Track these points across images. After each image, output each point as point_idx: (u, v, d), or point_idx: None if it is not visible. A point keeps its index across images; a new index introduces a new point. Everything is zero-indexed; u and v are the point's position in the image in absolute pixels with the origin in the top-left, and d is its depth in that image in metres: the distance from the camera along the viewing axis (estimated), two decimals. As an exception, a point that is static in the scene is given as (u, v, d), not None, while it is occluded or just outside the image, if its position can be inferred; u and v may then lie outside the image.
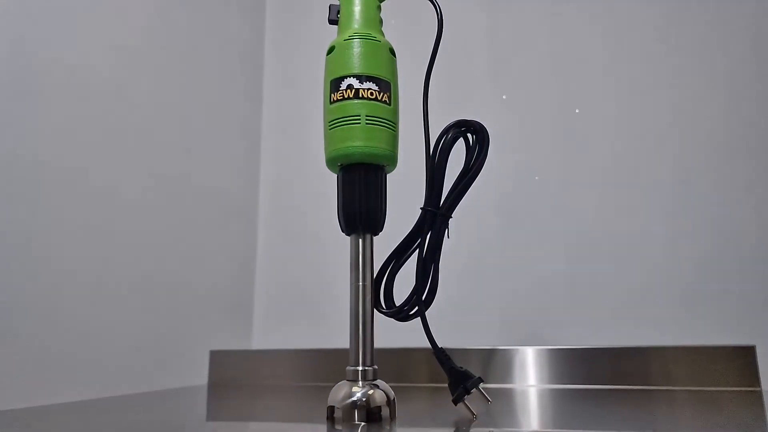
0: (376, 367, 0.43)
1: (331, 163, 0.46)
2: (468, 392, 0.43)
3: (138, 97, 0.79)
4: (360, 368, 0.42)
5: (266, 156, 1.07)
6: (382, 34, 0.49)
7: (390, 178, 0.48)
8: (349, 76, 0.45)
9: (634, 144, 0.82)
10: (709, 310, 0.74)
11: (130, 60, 0.78)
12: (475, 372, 0.75)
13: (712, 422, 0.49)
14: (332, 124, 0.45)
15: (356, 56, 0.45)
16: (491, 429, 0.39)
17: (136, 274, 0.76)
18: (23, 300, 0.61)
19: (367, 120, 0.44)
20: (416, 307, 0.45)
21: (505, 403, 0.60)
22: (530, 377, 0.74)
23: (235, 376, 0.88)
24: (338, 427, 0.41)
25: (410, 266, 0.47)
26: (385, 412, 0.42)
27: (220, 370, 0.89)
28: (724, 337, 0.72)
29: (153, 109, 0.81)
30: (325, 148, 0.46)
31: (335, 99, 0.45)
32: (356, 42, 0.46)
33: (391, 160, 0.46)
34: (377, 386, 0.42)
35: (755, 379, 0.65)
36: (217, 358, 0.90)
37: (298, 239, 1.00)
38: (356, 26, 0.48)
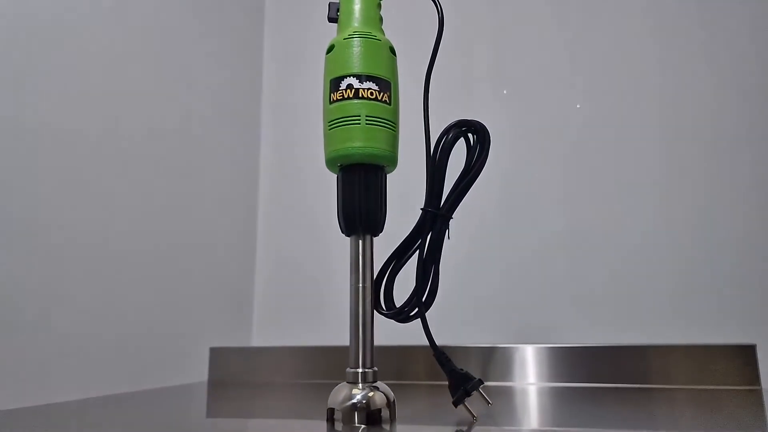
0: (376, 368, 0.43)
1: (330, 163, 0.45)
2: (468, 394, 0.43)
3: (137, 92, 0.78)
4: (360, 370, 0.42)
5: (266, 150, 1.06)
6: (383, 33, 0.48)
7: (390, 178, 0.47)
8: (349, 76, 0.44)
9: (634, 143, 0.82)
10: (709, 309, 0.74)
11: (129, 48, 0.77)
12: (475, 370, 0.76)
13: (712, 421, 0.49)
14: (332, 124, 0.44)
15: (356, 55, 0.45)
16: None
17: (135, 271, 0.75)
18: (21, 298, 0.60)
19: (367, 120, 0.44)
20: (416, 309, 0.45)
21: (505, 402, 0.60)
22: (530, 375, 0.74)
23: (234, 374, 0.88)
24: (338, 429, 0.41)
25: (410, 267, 0.46)
26: (386, 414, 0.42)
27: (220, 368, 0.89)
28: (725, 336, 0.72)
29: (152, 104, 0.81)
30: (325, 149, 0.45)
31: (335, 99, 0.45)
32: (356, 41, 0.45)
33: (392, 161, 0.45)
34: (377, 388, 0.42)
35: (755, 378, 0.65)
36: (217, 355, 0.90)
37: (299, 235, 1.00)
38: (356, 24, 0.47)
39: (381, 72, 0.45)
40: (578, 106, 0.85)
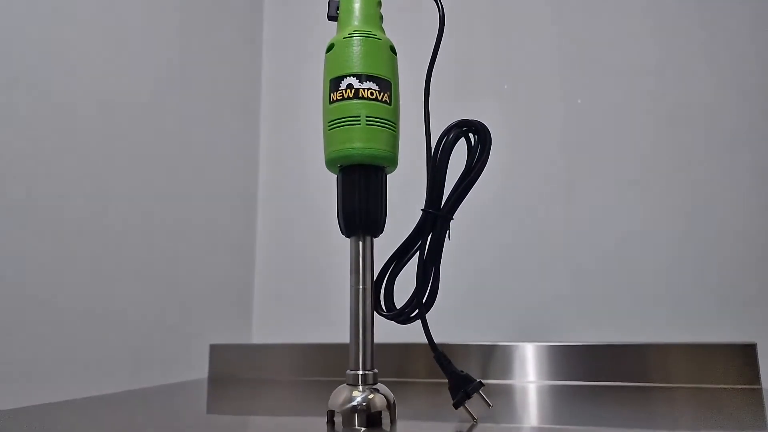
0: (376, 370, 0.43)
1: (330, 164, 0.45)
2: (469, 396, 0.43)
3: (136, 89, 0.77)
4: (360, 372, 0.42)
5: (265, 145, 1.06)
6: (383, 31, 0.48)
7: (390, 178, 0.47)
8: (349, 76, 0.44)
9: (635, 142, 0.81)
10: (710, 308, 0.74)
11: (127, 44, 0.76)
12: (475, 368, 0.76)
13: (711, 420, 0.49)
14: (332, 124, 0.44)
15: (356, 55, 0.44)
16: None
17: (135, 269, 0.75)
18: (21, 297, 0.60)
19: (367, 121, 0.43)
20: (416, 310, 0.45)
21: (505, 400, 0.60)
22: (530, 373, 0.74)
23: (235, 371, 0.88)
24: (338, 431, 0.41)
25: (411, 268, 0.46)
26: (386, 416, 0.42)
27: (220, 364, 0.89)
28: (725, 334, 0.71)
29: (151, 101, 0.80)
30: (325, 149, 0.45)
31: (335, 99, 0.44)
32: (356, 40, 0.45)
33: (392, 162, 0.45)
34: (377, 390, 0.42)
35: (756, 377, 0.65)
36: (217, 352, 0.90)
37: (299, 232, 0.99)
38: (356, 23, 0.47)
39: (381, 72, 0.45)
40: (579, 101, 0.85)
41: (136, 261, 0.76)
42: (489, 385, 0.72)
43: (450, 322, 0.82)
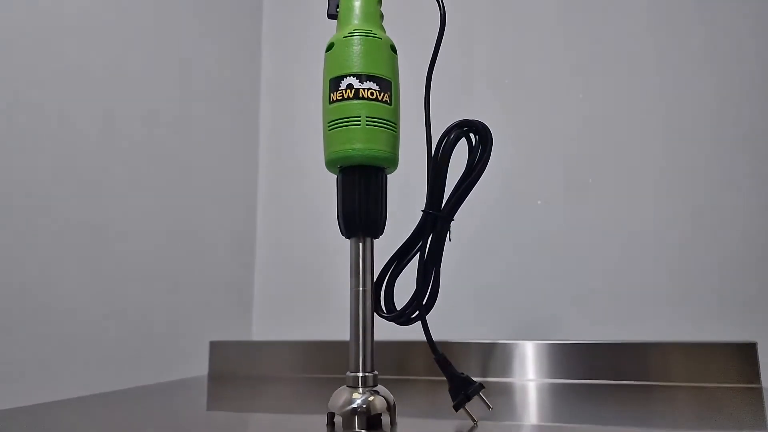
0: (376, 372, 0.43)
1: (330, 164, 0.45)
2: (469, 399, 0.42)
3: (134, 85, 0.77)
4: (360, 374, 0.42)
5: (265, 142, 1.05)
6: (383, 30, 0.47)
7: (390, 179, 0.47)
8: (349, 75, 0.44)
9: (637, 141, 0.81)
10: (710, 307, 0.74)
11: (126, 45, 0.76)
12: (475, 366, 0.76)
13: (711, 419, 0.49)
14: (331, 125, 0.44)
15: (356, 54, 0.44)
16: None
17: (134, 266, 0.75)
18: (20, 295, 0.60)
19: (367, 121, 0.43)
20: (417, 311, 0.45)
21: (505, 398, 0.60)
22: (529, 371, 0.74)
23: (235, 368, 0.88)
24: (338, 433, 0.41)
25: (411, 269, 0.46)
26: (386, 418, 0.42)
27: (220, 362, 0.89)
28: (726, 333, 0.71)
29: (149, 96, 0.80)
30: (325, 150, 0.45)
31: (334, 99, 0.44)
32: (356, 39, 0.44)
33: (392, 162, 0.45)
34: (377, 392, 0.42)
35: (756, 376, 0.65)
36: (217, 349, 0.90)
37: (299, 229, 0.99)
38: (356, 22, 0.46)
39: (381, 71, 0.44)
40: (580, 95, 0.84)
41: (136, 259, 0.75)
42: (489, 383, 0.72)
43: (449, 321, 0.82)
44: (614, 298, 0.78)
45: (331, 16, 0.49)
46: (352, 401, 0.41)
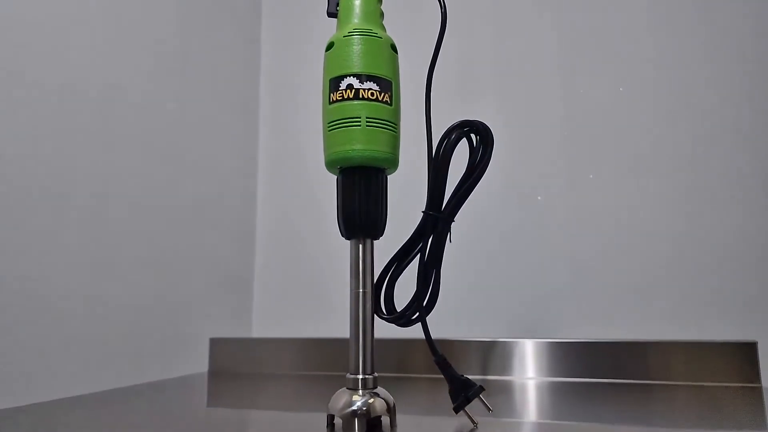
0: (376, 374, 0.43)
1: (330, 165, 0.44)
2: (469, 401, 0.42)
3: (133, 82, 0.76)
4: (360, 377, 0.42)
5: (265, 137, 1.05)
6: (383, 29, 0.47)
7: (391, 179, 0.46)
8: (349, 76, 0.43)
9: (637, 139, 0.80)
10: (711, 306, 0.74)
11: (126, 43, 0.75)
12: (475, 364, 0.76)
13: (711, 419, 0.49)
14: (331, 125, 0.43)
15: (356, 54, 0.43)
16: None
17: (134, 264, 0.75)
18: (19, 293, 0.60)
19: (367, 122, 0.42)
20: (417, 313, 0.44)
21: (504, 396, 0.60)
22: (529, 370, 0.74)
23: (235, 365, 0.89)
24: (338, 436, 0.41)
25: (411, 270, 0.46)
26: (386, 420, 0.42)
27: (220, 359, 0.89)
28: (726, 332, 0.71)
29: (150, 98, 0.79)
30: (324, 150, 0.44)
31: (334, 99, 0.43)
32: (356, 39, 0.44)
33: (392, 163, 0.44)
34: (377, 395, 0.42)
35: (756, 376, 0.65)
36: (217, 345, 0.90)
37: (299, 225, 0.99)
38: (356, 21, 0.46)
39: (382, 71, 0.44)
40: (581, 90, 0.84)
41: (136, 256, 0.75)
42: (488, 381, 0.72)
43: (449, 319, 0.82)
44: (614, 297, 0.78)
45: (331, 14, 0.48)
46: (352, 403, 0.41)
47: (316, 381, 0.76)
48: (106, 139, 0.72)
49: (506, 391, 0.64)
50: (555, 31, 0.87)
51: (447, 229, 0.45)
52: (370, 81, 0.43)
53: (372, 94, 0.43)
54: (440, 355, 0.44)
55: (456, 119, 0.45)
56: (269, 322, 0.98)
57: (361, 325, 0.43)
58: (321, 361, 0.85)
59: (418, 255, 0.45)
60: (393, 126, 0.44)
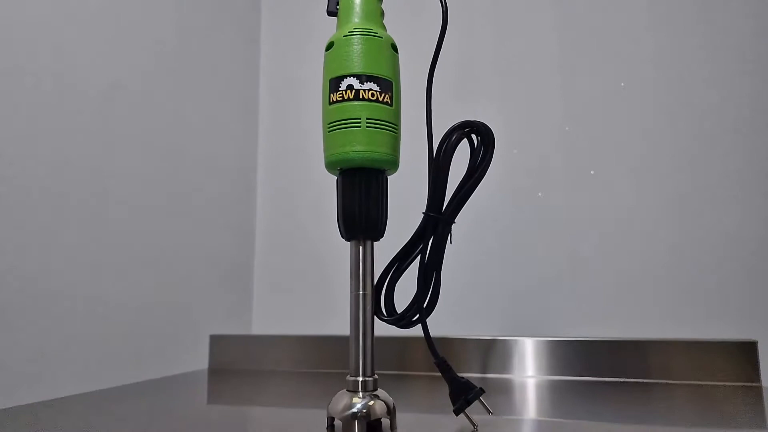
0: (376, 376, 0.43)
1: (330, 166, 0.44)
2: (469, 404, 0.42)
3: (134, 84, 0.76)
4: (360, 379, 0.42)
5: (264, 131, 1.04)
6: (384, 28, 0.47)
7: (391, 180, 0.46)
8: (349, 76, 0.43)
9: (637, 139, 0.80)
10: (711, 304, 0.74)
11: (125, 42, 0.75)
12: (474, 362, 0.76)
13: (711, 417, 0.49)
14: (331, 126, 0.43)
15: (356, 54, 0.43)
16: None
17: (134, 262, 0.75)
18: (19, 292, 0.60)
19: (368, 123, 0.42)
20: (417, 315, 0.44)
21: (504, 394, 0.60)
22: (529, 368, 0.74)
23: (235, 362, 0.89)
24: (338, 438, 0.41)
25: (412, 272, 0.46)
26: (386, 423, 0.42)
27: (220, 355, 0.89)
28: (727, 332, 0.71)
29: (149, 97, 0.79)
30: (325, 151, 0.44)
31: (334, 100, 0.43)
32: (356, 39, 0.43)
33: (393, 164, 0.44)
34: (378, 397, 0.42)
35: (756, 375, 0.65)
36: (217, 342, 0.90)
37: (299, 222, 0.99)
38: (356, 20, 0.45)
39: (382, 71, 0.43)
40: (582, 91, 0.83)
41: (136, 254, 0.75)
42: (488, 379, 0.72)
43: (449, 317, 0.82)
44: (614, 296, 0.78)
45: (331, 13, 0.48)
46: (352, 406, 0.41)
47: (316, 378, 0.76)
48: (106, 138, 0.71)
49: (506, 389, 0.64)
50: (555, 31, 0.86)
51: (447, 231, 0.45)
52: (370, 81, 0.43)
53: (372, 95, 0.42)
54: (440, 358, 0.44)
55: (456, 119, 0.45)
56: (269, 319, 0.98)
57: (361, 327, 0.43)
58: (321, 359, 0.85)
59: (419, 257, 0.45)
60: (393, 127, 0.44)
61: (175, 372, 0.81)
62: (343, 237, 0.44)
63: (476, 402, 0.43)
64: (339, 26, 0.46)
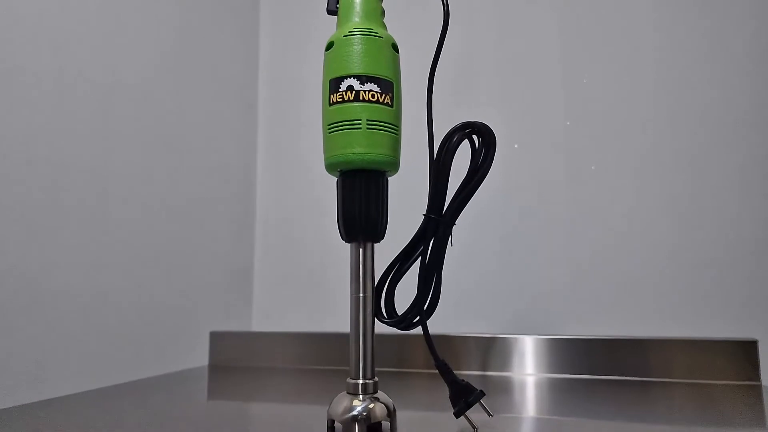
0: (377, 379, 0.43)
1: (330, 168, 0.44)
2: (469, 406, 0.42)
3: (134, 83, 0.75)
4: (360, 381, 0.42)
5: (264, 128, 1.04)
6: (384, 27, 0.46)
7: (391, 181, 0.46)
8: (349, 77, 0.42)
9: (637, 138, 0.80)
10: (711, 303, 0.74)
11: (125, 41, 0.74)
12: (474, 360, 0.76)
13: (710, 416, 0.49)
14: (331, 127, 0.43)
15: (356, 54, 0.43)
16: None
17: (134, 259, 0.75)
18: (18, 291, 0.60)
19: (368, 124, 0.42)
20: (418, 317, 0.44)
21: (503, 393, 0.60)
22: (528, 366, 0.74)
23: (235, 358, 0.89)
24: (339, 440, 0.41)
25: (412, 273, 0.45)
26: (386, 425, 0.42)
27: (221, 352, 0.90)
28: (727, 330, 0.71)
29: (148, 96, 0.78)
30: (324, 152, 0.44)
31: (334, 101, 0.43)
32: (356, 39, 0.43)
33: (393, 166, 0.44)
34: (378, 399, 0.42)
35: (756, 374, 0.65)
36: (217, 339, 0.90)
37: (299, 220, 0.98)
38: (357, 19, 0.45)
39: (383, 72, 0.43)
40: (585, 80, 0.83)
41: (136, 252, 0.75)
42: (487, 377, 0.73)
43: (448, 316, 0.82)
44: (614, 294, 0.78)
45: (331, 12, 0.47)
46: (352, 408, 0.41)
47: (316, 375, 0.76)
48: (106, 135, 0.71)
49: (505, 387, 0.65)
50: (556, 31, 0.86)
51: (448, 233, 0.44)
52: (370, 82, 0.42)
53: (373, 96, 0.42)
54: (441, 360, 0.44)
55: (457, 120, 0.44)
56: (269, 316, 0.98)
57: (361, 329, 0.43)
58: (320, 356, 0.85)
59: (419, 258, 0.45)
60: (394, 128, 0.43)
61: (175, 369, 0.81)
62: (343, 239, 0.44)
63: (476, 404, 0.43)
64: (339, 26, 0.45)
